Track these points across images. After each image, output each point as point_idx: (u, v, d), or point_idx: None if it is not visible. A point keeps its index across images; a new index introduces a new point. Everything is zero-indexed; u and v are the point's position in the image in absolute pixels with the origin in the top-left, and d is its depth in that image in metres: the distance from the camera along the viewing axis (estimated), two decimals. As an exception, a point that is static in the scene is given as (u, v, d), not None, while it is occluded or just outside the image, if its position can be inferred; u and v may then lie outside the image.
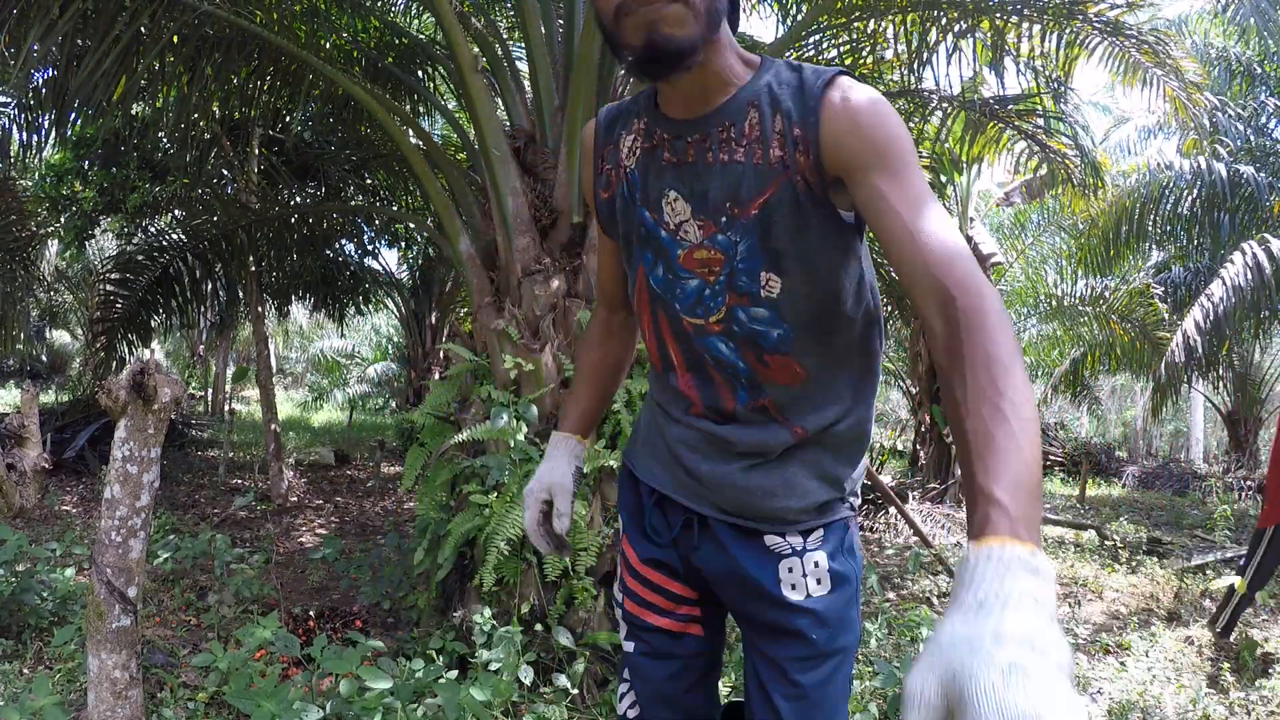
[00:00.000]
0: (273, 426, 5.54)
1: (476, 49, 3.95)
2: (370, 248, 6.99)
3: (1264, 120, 7.17)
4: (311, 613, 3.23)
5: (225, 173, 5.98)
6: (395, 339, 11.15)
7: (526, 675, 2.41)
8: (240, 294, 6.18)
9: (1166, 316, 8.07)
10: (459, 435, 2.81)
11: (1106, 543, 5.48)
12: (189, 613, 3.35)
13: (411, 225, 6.38)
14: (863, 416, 1.12)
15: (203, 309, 6.27)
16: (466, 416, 3.07)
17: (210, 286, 6.02)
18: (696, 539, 1.15)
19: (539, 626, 2.74)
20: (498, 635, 2.47)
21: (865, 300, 1.07)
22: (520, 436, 2.75)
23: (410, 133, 4.31)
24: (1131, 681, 3.10)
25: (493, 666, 2.38)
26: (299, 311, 10.06)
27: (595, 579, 2.83)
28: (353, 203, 6.60)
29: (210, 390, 10.59)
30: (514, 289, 3.20)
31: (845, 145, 0.90)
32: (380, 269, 7.94)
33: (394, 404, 10.83)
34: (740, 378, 1.08)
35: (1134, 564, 4.98)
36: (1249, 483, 10.03)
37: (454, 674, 2.30)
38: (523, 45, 4.06)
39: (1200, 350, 6.01)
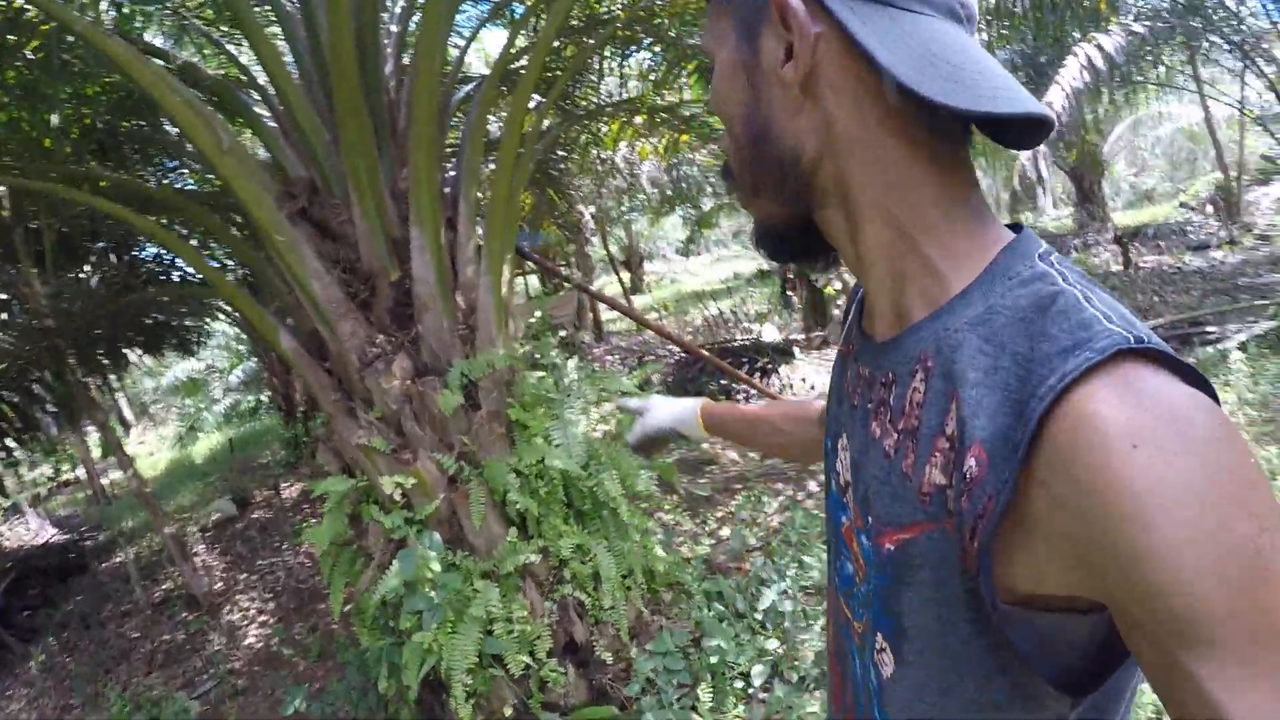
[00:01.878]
0: (165, 530, 5.11)
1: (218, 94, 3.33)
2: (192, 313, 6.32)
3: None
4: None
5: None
6: (243, 336, 10.60)
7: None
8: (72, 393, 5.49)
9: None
10: (376, 588, 2.61)
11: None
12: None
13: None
14: None
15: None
16: (368, 542, 2.86)
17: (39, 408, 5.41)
18: None
19: (523, 724, 2.72)
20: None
21: None
22: (435, 567, 2.58)
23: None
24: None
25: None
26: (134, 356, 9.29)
27: (557, 658, 2.79)
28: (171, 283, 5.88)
29: (84, 470, 9.71)
30: (357, 384, 2.87)
31: (1085, 544, 0.42)
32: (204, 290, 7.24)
33: (265, 398, 10.40)
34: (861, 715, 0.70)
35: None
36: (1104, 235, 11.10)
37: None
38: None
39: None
